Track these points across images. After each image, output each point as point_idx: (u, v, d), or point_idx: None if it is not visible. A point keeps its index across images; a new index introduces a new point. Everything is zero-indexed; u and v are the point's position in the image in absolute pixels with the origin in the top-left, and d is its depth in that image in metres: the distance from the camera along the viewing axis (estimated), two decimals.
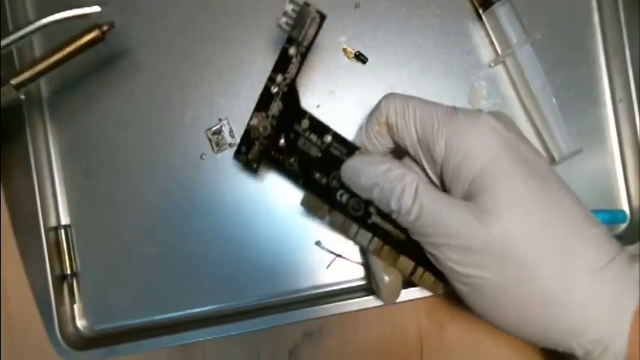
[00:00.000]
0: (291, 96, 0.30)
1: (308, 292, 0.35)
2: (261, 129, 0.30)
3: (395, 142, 0.29)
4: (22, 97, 0.29)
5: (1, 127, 0.33)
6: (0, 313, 0.35)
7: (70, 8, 0.28)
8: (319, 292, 0.35)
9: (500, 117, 0.28)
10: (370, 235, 0.30)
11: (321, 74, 0.35)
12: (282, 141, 0.30)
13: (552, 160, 0.34)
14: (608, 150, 0.36)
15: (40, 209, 0.33)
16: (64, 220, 0.35)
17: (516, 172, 0.26)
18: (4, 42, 0.28)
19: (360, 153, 0.30)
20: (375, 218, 0.30)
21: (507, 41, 0.34)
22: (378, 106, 0.29)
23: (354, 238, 0.30)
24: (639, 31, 0.34)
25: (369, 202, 0.29)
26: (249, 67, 0.34)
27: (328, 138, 0.30)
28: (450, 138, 0.26)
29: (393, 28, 0.35)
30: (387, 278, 0.31)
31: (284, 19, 0.29)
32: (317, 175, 0.30)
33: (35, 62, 0.28)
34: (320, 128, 0.30)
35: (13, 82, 0.28)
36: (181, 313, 0.35)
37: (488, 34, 0.35)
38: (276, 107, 0.30)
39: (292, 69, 0.30)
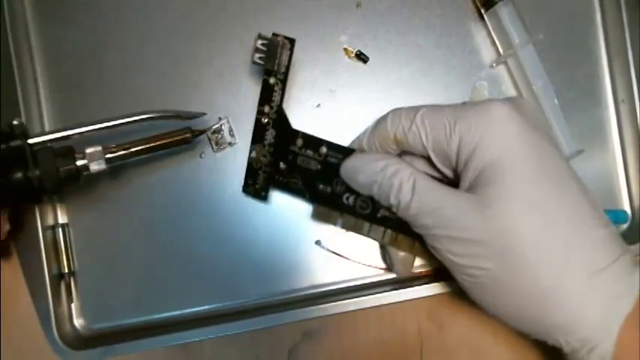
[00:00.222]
0: (281, 121, 0.32)
1: (307, 292, 0.34)
2: (261, 159, 0.32)
3: (403, 151, 0.30)
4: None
5: None
6: None
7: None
8: (319, 292, 0.34)
9: (519, 103, 0.27)
10: (382, 228, 0.31)
11: (321, 73, 0.35)
12: (282, 164, 0.32)
13: None
14: (609, 150, 0.36)
15: (37, 208, 0.33)
16: (62, 218, 0.35)
17: (526, 166, 0.26)
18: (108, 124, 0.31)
19: (358, 152, 0.30)
20: (384, 211, 0.31)
21: (509, 41, 0.33)
22: (382, 124, 0.29)
23: (368, 235, 0.31)
24: None
25: (374, 199, 0.30)
26: (249, 66, 0.34)
27: (323, 149, 0.32)
28: (464, 134, 0.26)
29: (395, 28, 0.35)
30: (401, 253, 0.32)
31: (257, 55, 0.31)
32: (321, 186, 0.32)
33: (127, 145, 0.31)
34: (314, 143, 0.32)
35: (107, 156, 0.30)
36: (180, 312, 0.34)
37: (490, 35, 0.35)
38: (270, 135, 0.32)
39: (276, 96, 0.32)
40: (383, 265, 0.34)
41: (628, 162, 0.35)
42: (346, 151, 0.31)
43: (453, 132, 0.27)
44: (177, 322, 0.34)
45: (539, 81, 0.33)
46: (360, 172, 0.29)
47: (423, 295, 0.32)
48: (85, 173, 0.30)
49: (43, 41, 0.35)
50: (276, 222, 0.34)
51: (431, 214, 0.26)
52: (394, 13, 0.35)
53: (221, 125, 0.35)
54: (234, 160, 0.34)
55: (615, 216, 0.34)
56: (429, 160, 0.29)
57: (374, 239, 0.32)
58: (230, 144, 0.35)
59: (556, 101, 0.33)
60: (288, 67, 0.31)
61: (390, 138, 0.29)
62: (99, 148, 0.30)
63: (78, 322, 0.34)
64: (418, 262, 0.34)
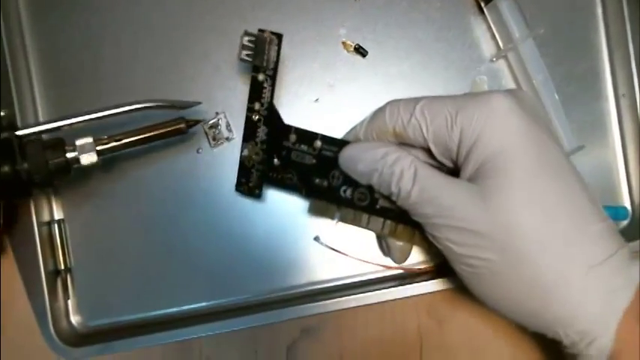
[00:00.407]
0: (272, 117, 0.32)
1: (306, 288, 0.34)
2: (253, 157, 0.32)
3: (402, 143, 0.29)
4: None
5: None
6: None
7: None
8: (317, 288, 0.34)
9: (519, 95, 0.27)
10: (382, 219, 0.31)
11: (320, 67, 0.35)
12: (276, 161, 0.32)
13: None
14: (610, 145, 0.35)
15: (32, 203, 0.32)
16: (57, 214, 0.34)
17: (526, 159, 0.26)
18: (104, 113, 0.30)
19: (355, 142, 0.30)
20: (383, 202, 0.30)
21: (509, 35, 0.33)
22: (380, 116, 0.29)
23: (367, 227, 0.31)
24: None
25: (373, 190, 0.30)
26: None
27: (318, 143, 0.31)
28: (466, 126, 0.26)
29: (394, 22, 0.35)
30: (398, 243, 0.32)
31: (244, 52, 0.31)
32: (317, 180, 0.31)
33: (119, 136, 0.30)
34: (307, 137, 0.31)
35: (98, 148, 0.30)
36: (178, 308, 0.34)
37: (490, 28, 0.35)
38: (262, 132, 0.32)
39: (266, 93, 0.31)
40: (382, 262, 0.34)
41: (628, 157, 0.35)
42: (341, 144, 0.31)
43: (455, 124, 0.27)
44: (174, 319, 0.34)
45: (540, 75, 0.33)
46: (359, 161, 0.29)
47: (423, 292, 0.32)
48: (76, 166, 0.29)
49: (37, 35, 0.34)
50: (274, 218, 0.34)
51: (431, 203, 0.26)
52: (393, 6, 0.35)
53: (218, 120, 0.34)
54: (232, 155, 0.34)
55: (615, 212, 0.34)
56: (427, 150, 0.29)
57: (373, 231, 0.32)
58: (227, 139, 0.34)
59: (556, 96, 0.33)
60: (277, 63, 0.31)
61: (389, 131, 0.29)
62: (89, 140, 0.29)
63: (74, 318, 0.34)
64: (419, 258, 0.34)
